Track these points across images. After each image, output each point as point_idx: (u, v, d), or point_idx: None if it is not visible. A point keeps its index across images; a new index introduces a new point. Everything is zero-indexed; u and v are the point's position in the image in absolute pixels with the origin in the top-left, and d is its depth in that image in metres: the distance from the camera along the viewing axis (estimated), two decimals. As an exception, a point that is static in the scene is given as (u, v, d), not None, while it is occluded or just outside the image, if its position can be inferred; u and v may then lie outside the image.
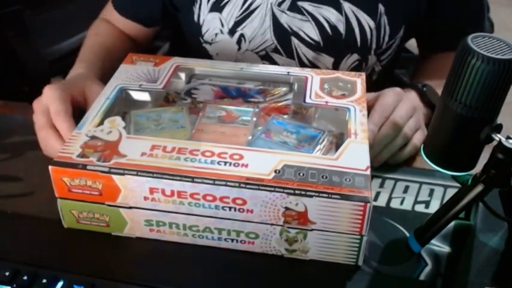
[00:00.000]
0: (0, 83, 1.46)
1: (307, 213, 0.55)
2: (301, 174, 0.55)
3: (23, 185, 0.70)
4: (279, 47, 0.85)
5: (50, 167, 0.56)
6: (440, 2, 0.85)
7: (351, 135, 0.61)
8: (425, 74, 0.88)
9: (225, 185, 0.54)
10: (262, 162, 0.57)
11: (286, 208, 0.55)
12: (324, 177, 0.55)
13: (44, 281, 0.55)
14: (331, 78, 0.72)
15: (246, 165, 0.56)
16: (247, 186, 0.54)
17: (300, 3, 0.82)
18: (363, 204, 0.53)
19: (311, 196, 0.53)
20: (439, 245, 0.61)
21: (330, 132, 0.66)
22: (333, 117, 0.67)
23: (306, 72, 0.73)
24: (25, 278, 0.56)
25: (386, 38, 0.84)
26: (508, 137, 0.53)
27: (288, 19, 0.82)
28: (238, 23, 0.84)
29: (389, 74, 0.97)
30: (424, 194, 0.69)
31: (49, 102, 0.66)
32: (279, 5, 0.82)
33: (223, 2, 0.83)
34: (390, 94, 0.70)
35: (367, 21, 0.82)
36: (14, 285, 0.55)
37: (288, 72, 0.74)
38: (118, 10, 0.94)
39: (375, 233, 0.62)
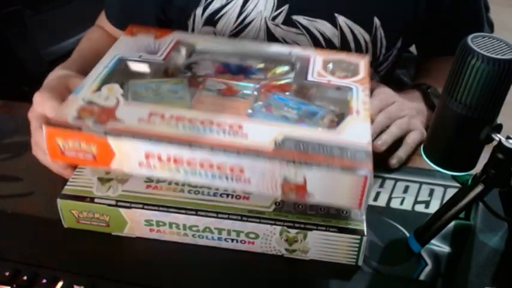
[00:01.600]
0: (0, 83, 1.46)
1: (305, 185, 0.53)
2: (301, 146, 0.54)
3: (23, 185, 0.70)
4: None
5: (43, 127, 0.54)
6: (438, 11, 0.84)
7: (352, 112, 0.60)
8: (429, 74, 0.88)
9: (223, 152, 0.53)
10: (262, 133, 0.55)
11: (285, 179, 0.54)
12: (325, 149, 0.54)
13: (44, 281, 0.55)
14: (334, 59, 0.70)
15: (246, 136, 0.55)
16: (246, 154, 0.53)
17: (294, 17, 0.82)
18: (362, 177, 0.52)
19: (311, 167, 0.52)
20: (439, 245, 0.61)
21: (331, 111, 0.64)
22: (335, 97, 0.66)
23: (309, 52, 0.72)
24: (25, 278, 0.56)
25: (383, 51, 0.84)
26: (508, 137, 0.53)
27: (282, 33, 0.83)
28: (232, 37, 0.84)
29: (389, 77, 0.97)
30: (424, 194, 0.69)
31: (40, 106, 0.65)
32: (273, 19, 0.82)
33: (217, 16, 0.83)
34: (386, 91, 0.70)
35: (362, 34, 0.82)
36: (14, 285, 0.55)
37: (290, 52, 0.72)
38: (111, 21, 0.94)
39: (375, 233, 0.62)
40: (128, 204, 0.57)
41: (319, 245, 0.57)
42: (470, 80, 0.50)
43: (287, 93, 0.66)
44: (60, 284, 0.56)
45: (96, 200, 0.57)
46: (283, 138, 0.55)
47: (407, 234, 0.62)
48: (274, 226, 0.54)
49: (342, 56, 0.71)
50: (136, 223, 0.59)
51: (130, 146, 0.54)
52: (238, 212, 0.56)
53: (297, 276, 0.58)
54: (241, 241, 0.59)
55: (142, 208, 0.56)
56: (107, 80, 0.63)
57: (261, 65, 0.71)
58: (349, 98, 0.63)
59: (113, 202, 0.57)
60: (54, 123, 0.55)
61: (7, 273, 0.56)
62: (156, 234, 0.60)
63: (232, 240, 0.59)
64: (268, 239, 0.58)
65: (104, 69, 0.65)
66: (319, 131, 0.58)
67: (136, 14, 0.91)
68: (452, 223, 0.62)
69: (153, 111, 0.57)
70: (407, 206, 0.67)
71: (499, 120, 0.53)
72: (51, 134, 0.55)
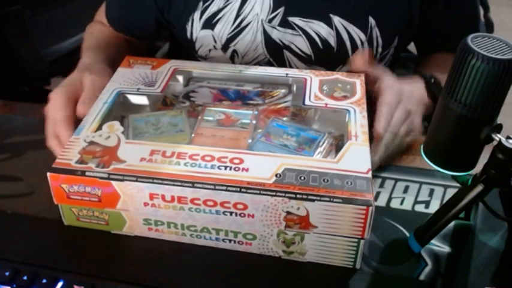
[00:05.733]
0: (0, 83, 1.46)
1: (308, 217, 0.54)
2: (302, 178, 0.55)
3: (23, 185, 0.70)
4: (272, 60, 0.86)
5: (48, 174, 0.56)
6: (433, 10, 0.84)
7: (351, 137, 0.61)
8: (431, 66, 0.88)
9: (226, 190, 0.54)
10: (262, 166, 0.56)
11: (288, 212, 0.55)
12: (325, 180, 0.55)
13: (44, 281, 0.56)
14: (330, 80, 0.71)
15: (247, 170, 0.56)
16: (248, 190, 0.54)
17: (290, 19, 0.82)
18: (365, 207, 0.53)
19: (313, 200, 0.53)
20: (439, 245, 0.61)
21: (330, 134, 0.66)
22: (333, 119, 0.67)
23: (305, 73, 0.73)
24: (25, 278, 0.56)
25: (380, 49, 0.84)
26: (508, 137, 0.53)
27: (279, 34, 0.83)
28: (230, 40, 0.85)
29: None
30: (424, 194, 0.69)
31: (52, 111, 0.67)
32: (270, 21, 0.82)
33: (215, 20, 0.84)
34: (392, 93, 0.70)
35: (357, 34, 0.82)
36: (14, 285, 0.55)
37: (287, 74, 0.74)
38: (111, 24, 0.94)
39: (375, 233, 0.62)
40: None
41: (317, 248, 0.57)
42: (470, 80, 0.50)
43: (285, 118, 0.68)
44: (60, 284, 0.56)
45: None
46: (283, 170, 0.56)
47: (407, 234, 0.62)
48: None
49: (337, 76, 0.72)
50: (135, 222, 0.59)
51: (134, 188, 0.56)
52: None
53: (295, 277, 0.58)
54: (238, 242, 0.59)
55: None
56: (107, 116, 0.64)
57: (259, 89, 0.74)
58: (347, 120, 0.64)
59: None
60: (58, 169, 0.57)
61: (7, 273, 0.56)
62: (155, 233, 0.60)
63: (230, 241, 0.59)
64: (266, 240, 0.58)
65: (104, 105, 0.66)
66: (319, 160, 0.60)
67: (135, 18, 0.91)
68: (452, 223, 0.62)
69: (154, 148, 0.59)
70: (407, 206, 0.67)
71: (499, 120, 0.53)
72: (55, 179, 0.57)
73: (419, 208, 0.66)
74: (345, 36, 0.82)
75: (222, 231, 0.58)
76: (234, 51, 0.85)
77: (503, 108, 0.53)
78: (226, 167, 0.56)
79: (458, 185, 0.67)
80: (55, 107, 0.67)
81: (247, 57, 0.86)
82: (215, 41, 0.85)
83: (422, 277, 0.58)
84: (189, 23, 0.86)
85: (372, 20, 0.82)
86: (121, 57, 0.78)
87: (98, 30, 0.94)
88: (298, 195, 0.53)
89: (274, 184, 0.54)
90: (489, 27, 1.00)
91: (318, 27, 0.82)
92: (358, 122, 0.63)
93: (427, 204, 0.67)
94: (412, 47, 1.02)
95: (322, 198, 0.53)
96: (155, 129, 0.66)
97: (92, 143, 0.60)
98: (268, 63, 0.86)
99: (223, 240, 0.59)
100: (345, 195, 0.54)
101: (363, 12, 0.82)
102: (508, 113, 0.71)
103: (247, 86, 0.74)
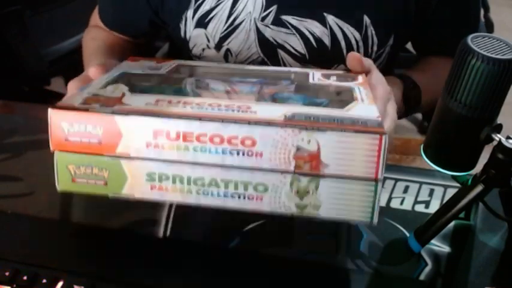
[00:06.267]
0: (0, 83, 1.46)
1: (319, 153, 0.52)
2: (311, 118, 0.54)
3: (23, 185, 0.70)
4: (266, 59, 0.86)
5: (49, 110, 0.53)
6: (427, 8, 0.84)
7: (358, 100, 0.59)
8: (418, 70, 0.88)
9: (235, 123, 0.52)
10: (271, 111, 0.55)
11: (298, 148, 0.53)
12: (336, 120, 0.53)
13: (44, 281, 0.55)
14: (331, 73, 0.71)
15: (255, 112, 0.54)
16: (258, 123, 0.52)
17: (283, 17, 0.82)
18: (378, 136, 0.50)
19: (324, 130, 0.51)
20: (439, 245, 0.61)
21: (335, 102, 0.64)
22: (337, 99, 0.66)
23: (307, 70, 0.73)
24: (25, 278, 0.56)
25: (375, 48, 0.84)
26: (508, 137, 0.53)
27: (272, 33, 0.83)
28: (223, 39, 0.84)
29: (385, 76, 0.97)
30: (424, 194, 0.69)
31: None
32: (262, 19, 0.82)
33: (208, 18, 0.84)
34: (383, 89, 0.70)
35: (352, 33, 0.82)
36: (14, 285, 0.55)
37: (289, 70, 0.74)
38: (105, 23, 0.94)
39: (375, 233, 0.62)
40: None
41: (332, 198, 0.55)
42: (470, 80, 0.50)
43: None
44: (60, 284, 0.56)
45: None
46: (292, 113, 0.54)
47: (407, 234, 0.62)
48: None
49: (340, 72, 0.71)
50: (137, 178, 0.56)
51: (138, 123, 0.53)
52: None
53: (297, 276, 0.58)
54: (248, 197, 0.56)
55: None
56: (111, 84, 0.62)
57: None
58: (352, 94, 0.63)
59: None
60: (60, 106, 0.54)
61: (7, 273, 0.56)
62: (158, 193, 0.57)
63: (239, 196, 0.56)
64: (278, 191, 0.55)
65: (108, 77, 0.65)
66: (327, 109, 0.58)
67: (129, 17, 0.91)
68: (452, 223, 0.62)
69: (160, 98, 0.57)
70: (407, 206, 0.67)
71: (499, 120, 0.53)
72: (56, 117, 0.54)
73: (419, 208, 0.66)
74: (340, 36, 0.82)
75: (231, 182, 0.55)
76: (228, 50, 0.85)
77: (503, 108, 0.53)
78: (233, 110, 0.55)
79: (458, 185, 0.67)
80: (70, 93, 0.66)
81: (241, 56, 0.86)
82: (208, 40, 0.85)
83: (422, 277, 0.58)
84: (183, 22, 0.86)
85: (366, 19, 0.82)
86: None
87: (100, 35, 0.94)
88: (309, 127, 0.52)
89: (284, 121, 0.53)
90: (489, 27, 1.01)
91: (311, 26, 0.82)
92: (363, 93, 0.62)
93: (427, 204, 0.67)
94: (411, 46, 1.02)
95: (334, 129, 0.51)
96: (160, 93, 0.64)
97: (96, 95, 0.58)
98: (262, 62, 0.86)
99: (232, 195, 0.56)
100: (357, 127, 0.52)
101: (358, 11, 0.82)
102: (508, 113, 0.71)
103: (250, 80, 0.74)
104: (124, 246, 0.61)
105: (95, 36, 0.93)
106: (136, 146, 0.55)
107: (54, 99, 0.67)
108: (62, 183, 0.57)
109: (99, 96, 0.57)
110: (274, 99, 0.63)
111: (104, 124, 0.54)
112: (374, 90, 0.65)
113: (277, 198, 0.55)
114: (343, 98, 0.64)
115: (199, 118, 0.53)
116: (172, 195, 0.57)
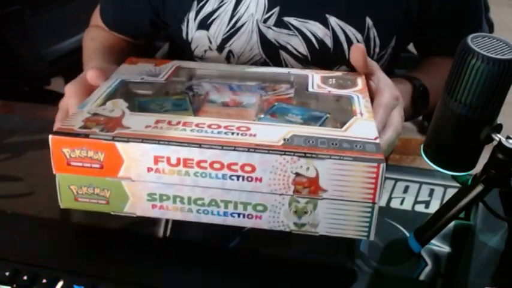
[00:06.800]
0: (0, 83, 1.46)
1: (318, 179, 0.53)
2: (310, 141, 0.54)
3: (23, 185, 0.70)
4: (268, 60, 0.86)
5: (50, 137, 0.54)
6: (430, 9, 0.84)
7: (356, 114, 0.60)
8: (423, 71, 0.88)
9: (234, 150, 0.53)
10: (270, 133, 0.55)
11: (297, 174, 0.53)
12: (334, 144, 0.54)
13: (44, 281, 0.55)
14: (331, 76, 0.71)
15: (254, 135, 0.55)
16: (257, 150, 0.52)
17: (286, 19, 0.82)
18: (376, 165, 0.51)
19: (323, 158, 0.52)
20: (439, 245, 0.61)
21: (335, 116, 0.65)
22: (336, 108, 0.66)
23: (307, 71, 0.73)
24: (25, 278, 0.56)
25: (377, 50, 0.84)
26: (508, 137, 0.53)
27: (274, 34, 0.83)
28: (225, 40, 0.84)
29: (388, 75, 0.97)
30: (424, 194, 0.69)
31: (65, 100, 0.67)
32: (265, 21, 0.82)
33: (210, 20, 0.84)
34: (390, 95, 0.70)
35: (354, 34, 0.82)
36: (14, 285, 0.55)
37: (289, 72, 0.74)
38: (105, 23, 0.94)
39: (374, 233, 0.62)
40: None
41: (330, 217, 0.55)
42: (470, 80, 0.50)
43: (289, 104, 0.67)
44: (60, 284, 0.56)
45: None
46: (291, 135, 0.55)
47: (407, 234, 0.62)
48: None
49: (339, 74, 0.72)
50: (139, 198, 0.57)
51: (138, 150, 0.54)
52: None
53: (297, 276, 0.58)
54: (248, 216, 0.57)
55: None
56: (110, 98, 0.63)
57: (262, 84, 0.72)
58: (351, 103, 0.63)
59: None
60: (60, 132, 0.54)
61: (7, 273, 0.56)
62: (159, 212, 0.57)
63: (239, 215, 0.57)
64: (277, 211, 0.56)
65: (107, 89, 0.65)
66: (325, 129, 0.58)
67: (130, 17, 0.91)
68: (452, 223, 0.62)
69: (160, 118, 0.57)
70: (407, 206, 0.67)
71: (499, 120, 0.53)
72: (57, 143, 0.54)
73: (419, 208, 0.66)
74: (342, 37, 0.82)
75: (231, 203, 0.56)
76: (230, 51, 0.85)
77: (503, 108, 0.53)
78: (233, 133, 0.55)
79: (458, 185, 0.67)
80: (68, 97, 0.66)
81: (243, 58, 0.86)
82: (210, 42, 0.85)
83: (422, 277, 0.58)
84: (184, 23, 0.86)
85: (369, 21, 0.82)
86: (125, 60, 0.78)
87: (99, 35, 0.94)
88: (307, 154, 0.52)
89: (283, 146, 0.53)
90: (489, 27, 1.01)
91: (314, 28, 0.82)
92: (362, 104, 0.62)
93: (427, 204, 0.67)
94: (412, 47, 1.02)
95: (332, 157, 0.52)
96: (160, 109, 0.64)
97: (96, 114, 0.58)
98: (264, 64, 0.86)
99: (231, 214, 0.57)
100: (355, 154, 0.52)
101: (360, 12, 0.82)
102: (508, 113, 0.71)
103: (250, 83, 0.74)
104: (124, 246, 0.61)
105: (95, 37, 0.93)
106: (138, 170, 0.55)
107: (54, 99, 0.67)
108: (65, 202, 0.59)
109: (99, 117, 0.57)
110: (274, 113, 0.63)
111: (105, 150, 0.54)
112: (380, 96, 0.65)
113: (276, 217, 0.56)
114: (342, 105, 0.65)
115: (200, 145, 0.53)
116: (173, 213, 0.58)
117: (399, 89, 0.73)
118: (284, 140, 0.54)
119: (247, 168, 0.53)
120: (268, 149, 0.53)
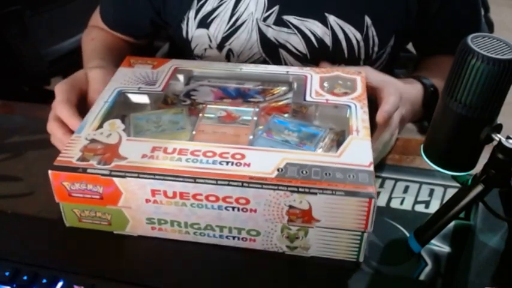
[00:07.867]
0: (0, 83, 1.46)
1: (311, 211, 0.54)
2: (304, 172, 0.55)
3: (23, 185, 0.70)
4: (267, 59, 0.86)
5: (49, 172, 0.56)
6: (430, 9, 0.84)
7: (352, 132, 0.61)
8: (431, 70, 0.88)
9: (228, 185, 0.54)
10: (264, 161, 0.57)
11: (290, 206, 0.55)
12: (327, 174, 0.55)
13: (44, 281, 0.55)
14: (330, 77, 0.72)
15: (249, 165, 0.56)
16: (250, 185, 0.54)
17: (285, 17, 0.82)
18: (367, 199, 0.53)
19: (315, 193, 0.53)
20: (439, 245, 0.61)
21: (331, 129, 0.66)
22: (334, 115, 0.67)
23: (305, 71, 0.73)
24: (25, 278, 0.56)
25: (376, 49, 0.84)
26: (508, 137, 0.53)
27: (274, 33, 0.83)
28: (225, 39, 0.85)
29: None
30: (424, 194, 0.69)
31: (56, 96, 0.67)
32: (265, 20, 0.83)
33: (210, 19, 0.84)
34: (396, 94, 0.69)
35: (353, 33, 0.82)
36: (14, 285, 0.55)
37: (287, 72, 0.74)
38: (106, 23, 0.94)
39: (375, 233, 0.62)
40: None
41: (321, 242, 0.57)
42: (470, 80, 0.50)
43: (286, 115, 0.68)
44: (60, 284, 0.56)
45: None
46: (285, 164, 0.56)
47: (407, 234, 0.62)
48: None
49: (338, 73, 0.72)
50: (138, 221, 0.59)
51: (135, 184, 0.56)
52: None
53: (297, 276, 0.58)
54: (242, 238, 0.59)
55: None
56: (108, 115, 0.64)
57: (259, 87, 0.74)
58: (348, 115, 0.64)
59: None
60: (59, 167, 0.57)
61: (7, 273, 0.56)
62: (158, 233, 0.60)
63: (234, 237, 0.59)
64: (270, 236, 0.58)
65: (105, 104, 0.67)
66: (320, 154, 0.60)
67: (130, 17, 0.92)
68: (452, 223, 0.62)
69: (156, 145, 0.59)
70: (407, 206, 0.67)
71: (499, 120, 0.53)
72: (56, 177, 0.57)
73: (419, 208, 0.66)
74: (341, 36, 0.82)
75: (225, 228, 0.58)
76: (230, 50, 0.85)
77: (503, 108, 0.53)
78: (228, 163, 0.56)
79: (458, 185, 0.67)
80: (57, 95, 0.67)
81: (243, 56, 0.86)
82: (210, 40, 0.85)
83: (422, 277, 0.58)
84: (185, 22, 0.86)
85: (368, 19, 0.82)
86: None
87: (99, 35, 0.94)
88: (300, 189, 0.53)
89: (276, 178, 0.54)
90: (489, 27, 1.00)
91: (313, 26, 0.82)
92: (359, 117, 0.63)
93: (427, 204, 0.67)
94: (412, 47, 1.02)
95: (324, 192, 0.53)
96: (156, 127, 0.66)
97: (93, 140, 0.60)
98: (264, 62, 0.86)
99: (227, 237, 0.59)
100: (348, 188, 0.53)
101: (359, 11, 0.82)
102: (508, 113, 0.71)
103: (248, 84, 0.74)
104: (124, 246, 0.61)
105: (94, 37, 0.93)
106: (137, 202, 0.57)
107: (54, 99, 0.67)
108: (70, 222, 0.62)
109: (96, 144, 0.59)
110: (270, 130, 0.65)
111: (103, 184, 0.56)
112: (385, 98, 0.67)
113: (269, 241, 0.59)
114: (339, 126, 0.66)
115: (194, 179, 0.55)
116: (171, 234, 0.60)
117: (409, 92, 0.74)
118: (278, 170, 0.56)
119: (242, 201, 0.55)
120: (262, 184, 0.54)
